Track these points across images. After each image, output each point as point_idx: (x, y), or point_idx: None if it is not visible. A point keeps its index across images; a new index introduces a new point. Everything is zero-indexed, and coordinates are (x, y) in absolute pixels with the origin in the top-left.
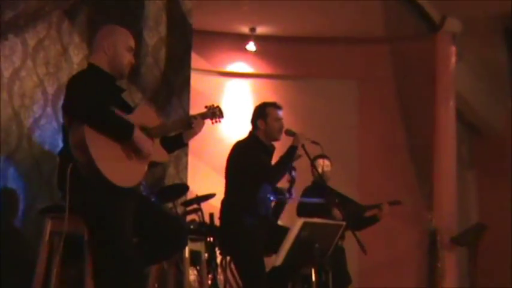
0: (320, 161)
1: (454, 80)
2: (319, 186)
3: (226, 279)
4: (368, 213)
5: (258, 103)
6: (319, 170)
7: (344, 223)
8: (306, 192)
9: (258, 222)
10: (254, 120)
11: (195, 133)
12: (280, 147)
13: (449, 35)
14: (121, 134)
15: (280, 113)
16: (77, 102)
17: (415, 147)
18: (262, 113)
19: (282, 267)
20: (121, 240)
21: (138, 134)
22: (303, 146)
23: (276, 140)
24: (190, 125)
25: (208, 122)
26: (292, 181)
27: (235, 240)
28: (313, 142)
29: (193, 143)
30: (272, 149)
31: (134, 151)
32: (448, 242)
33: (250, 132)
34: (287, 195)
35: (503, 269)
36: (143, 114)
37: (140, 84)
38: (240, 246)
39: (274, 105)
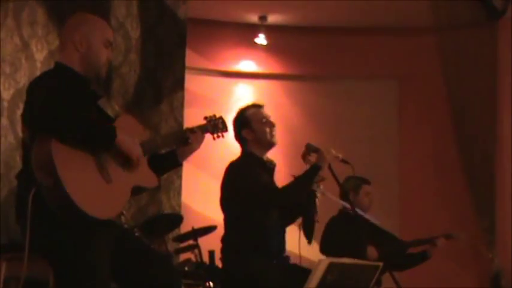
0: (368, 189)
1: None
2: (348, 216)
3: None
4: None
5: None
6: (366, 200)
7: (381, 264)
8: (332, 226)
9: (270, 264)
10: (239, 134)
11: (193, 150)
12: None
13: None
14: (100, 141)
15: (263, 111)
16: (42, 111)
17: (472, 165)
18: (243, 121)
19: None
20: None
21: (121, 137)
22: (329, 166)
23: (272, 145)
24: (186, 140)
25: (208, 136)
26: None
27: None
28: (343, 161)
29: (189, 163)
30: (272, 166)
31: (115, 169)
32: None
33: (242, 149)
34: (315, 185)
35: None
36: (126, 126)
37: (121, 87)
38: None
39: (253, 106)
